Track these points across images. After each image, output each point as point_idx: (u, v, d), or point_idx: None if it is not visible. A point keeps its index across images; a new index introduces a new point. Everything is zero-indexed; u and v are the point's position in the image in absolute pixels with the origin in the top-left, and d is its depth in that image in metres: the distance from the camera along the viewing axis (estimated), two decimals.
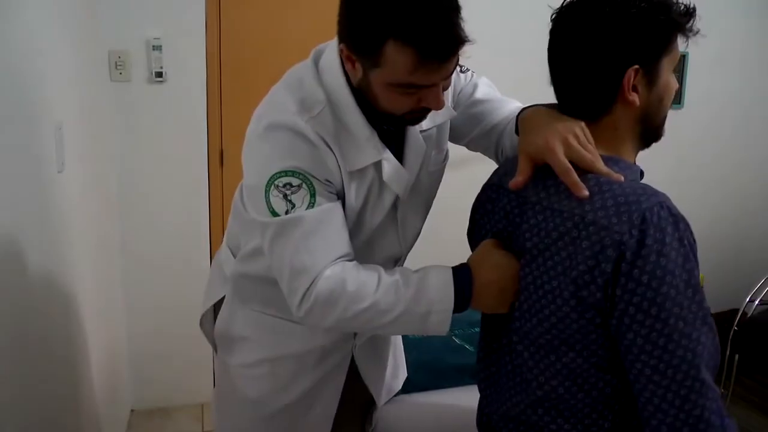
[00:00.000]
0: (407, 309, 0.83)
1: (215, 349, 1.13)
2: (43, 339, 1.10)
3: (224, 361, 1.08)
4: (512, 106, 1.01)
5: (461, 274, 0.84)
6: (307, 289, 0.83)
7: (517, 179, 0.79)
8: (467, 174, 1.34)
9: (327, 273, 0.83)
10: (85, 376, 1.39)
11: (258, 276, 1.00)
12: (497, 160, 1.03)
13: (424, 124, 0.94)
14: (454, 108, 1.00)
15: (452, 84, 1.00)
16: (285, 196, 0.83)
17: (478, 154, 1.06)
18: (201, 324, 1.15)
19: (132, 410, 2.10)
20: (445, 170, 1.05)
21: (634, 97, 0.74)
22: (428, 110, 0.86)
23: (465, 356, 1.32)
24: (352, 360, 1.07)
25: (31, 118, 1.11)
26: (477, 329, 1.09)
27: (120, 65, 1.88)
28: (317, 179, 0.84)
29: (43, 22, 1.22)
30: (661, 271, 0.67)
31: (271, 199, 0.84)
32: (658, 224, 0.68)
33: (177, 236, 2.03)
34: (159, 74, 1.91)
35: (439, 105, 0.83)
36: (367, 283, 0.83)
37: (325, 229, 0.85)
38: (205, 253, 2.06)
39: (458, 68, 1.02)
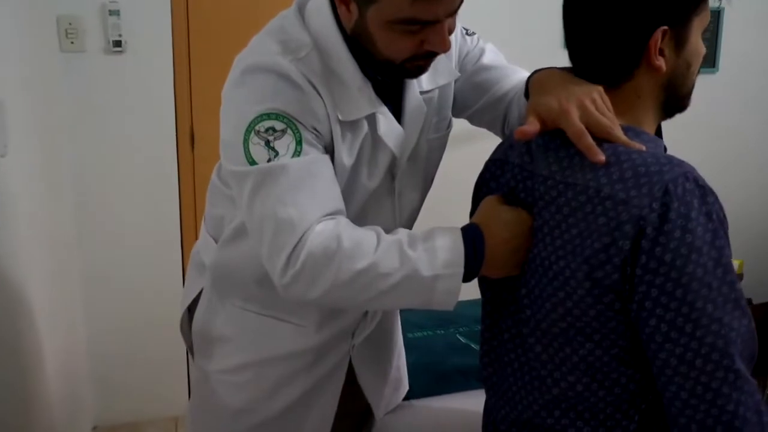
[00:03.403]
0: (411, 272, 0.80)
1: (192, 353, 1.13)
2: None
3: (202, 368, 1.07)
4: (522, 74, 1.01)
5: (471, 233, 0.82)
6: (295, 246, 0.80)
7: (525, 129, 0.78)
8: (473, 151, 1.35)
9: (318, 228, 0.80)
10: (37, 388, 1.39)
11: (240, 265, 1.00)
12: (503, 135, 1.03)
13: (425, 83, 0.95)
14: (460, 73, 1.00)
15: (457, 47, 1.00)
16: (267, 142, 0.81)
17: (485, 130, 1.07)
18: (181, 327, 1.14)
19: (94, 428, 2.10)
20: (450, 147, 1.05)
21: (661, 62, 0.75)
22: (432, 56, 0.86)
23: (471, 356, 1.33)
24: (350, 366, 1.07)
25: None
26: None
27: (71, 33, 1.86)
28: (304, 126, 0.83)
29: None
30: (687, 249, 0.67)
31: (251, 147, 0.82)
32: (683, 197, 0.69)
33: (143, 227, 2.03)
34: (117, 43, 1.89)
35: (444, 46, 0.83)
36: (365, 241, 0.81)
37: (313, 182, 0.83)
38: (175, 246, 2.06)
39: (464, 30, 1.03)
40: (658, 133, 0.84)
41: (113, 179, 1.99)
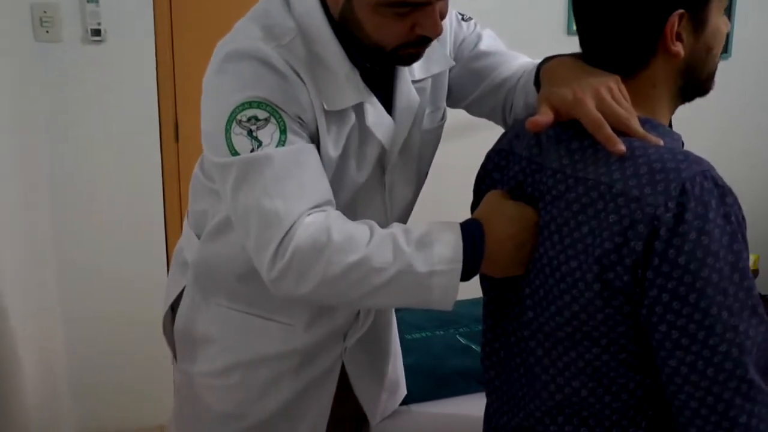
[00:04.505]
0: (406, 268, 0.79)
1: (174, 355, 1.12)
2: None
3: (186, 371, 1.07)
4: (522, 60, 1.00)
5: (471, 228, 0.82)
6: (282, 239, 0.80)
7: (538, 119, 0.77)
8: (472, 142, 1.34)
9: (307, 220, 0.80)
10: (12, 393, 1.39)
11: (224, 261, 1.00)
12: (504, 124, 1.02)
13: (417, 72, 0.95)
14: (456, 61, 1.00)
15: (452, 33, 1.00)
16: (250, 132, 0.81)
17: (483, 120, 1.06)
18: (164, 327, 1.14)
19: None
20: (451, 138, 1.05)
21: (679, 48, 0.74)
22: (425, 42, 0.86)
23: (471, 358, 1.33)
24: (343, 370, 1.07)
25: None
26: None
27: (47, 22, 1.84)
28: (288, 114, 0.83)
29: None
30: (702, 252, 0.67)
31: (233, 137, 0.82)
32: (701, 197, 0.68)
33: (125, 224, 2.02)
34: (96, 32, 1.88)
35: (436, 30, 0.83)
36: (357, 234, 0.81)
37: (300, 172, 0.83)
38: (160, 244, 2.05)
39: (459, 16, 1.02)
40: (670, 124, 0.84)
41: (93, 175, 1.97)
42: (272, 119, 0.82)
